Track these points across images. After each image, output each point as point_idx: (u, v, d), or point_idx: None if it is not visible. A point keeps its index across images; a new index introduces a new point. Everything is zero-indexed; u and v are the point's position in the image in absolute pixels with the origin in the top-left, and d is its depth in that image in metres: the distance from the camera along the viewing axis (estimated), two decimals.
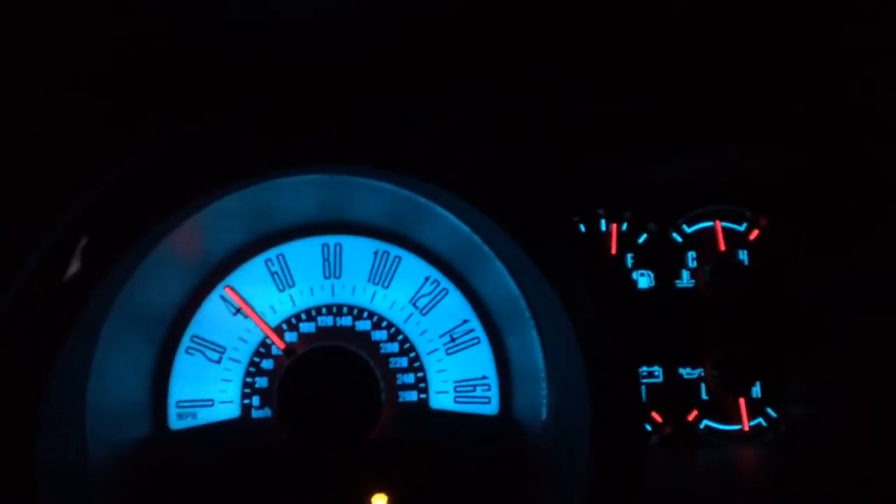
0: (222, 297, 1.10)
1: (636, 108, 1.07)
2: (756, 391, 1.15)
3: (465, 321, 1.13)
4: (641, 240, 1.19)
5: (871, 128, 1.10)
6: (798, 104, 1.08)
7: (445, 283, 1.13)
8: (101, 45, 0.87)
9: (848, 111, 1.08)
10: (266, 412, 1.08)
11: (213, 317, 1.10)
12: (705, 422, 1.14)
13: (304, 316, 1.11)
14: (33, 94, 0.86)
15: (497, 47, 0.98)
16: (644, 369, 1.15)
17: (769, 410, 1.15)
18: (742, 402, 1.14)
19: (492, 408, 1.11)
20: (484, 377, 1.12)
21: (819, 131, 1.12)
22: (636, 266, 1.18)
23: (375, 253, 1.13)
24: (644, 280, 1.17)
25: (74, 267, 0.73)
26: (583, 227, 1.18)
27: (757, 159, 1.16)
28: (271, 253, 1.13)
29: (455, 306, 1.13)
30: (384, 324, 1.12)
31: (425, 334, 1.13)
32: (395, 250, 1.14)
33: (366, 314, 1.12)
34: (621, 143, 1.11)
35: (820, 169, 1.15)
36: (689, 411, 1.14)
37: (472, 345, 1.13)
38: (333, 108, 1.02)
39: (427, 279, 1.13)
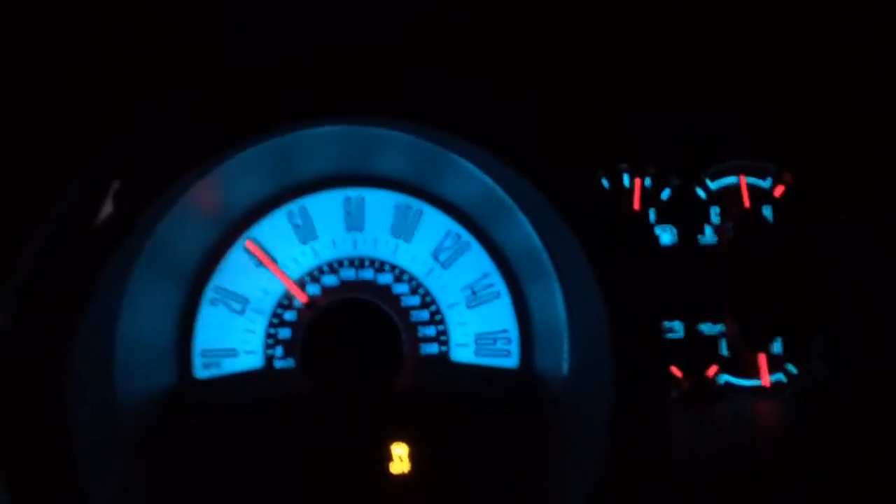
0: (243, 249, 1.10)
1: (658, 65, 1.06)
2: (777, 347, 1.15)
3: (485, 275, 1.13)
4: (665, 195, 1.17)
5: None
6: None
7: (467, 236, 1.13)
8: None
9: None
10: (289, 363, 1.09)
11: (236, 268, 1.11)
12: (725, 377, 1.15)
13: (326, 268, 1.12)
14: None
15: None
16: (664, 325, 1.15)
17: (789, 366, 1.15)
18: (762, 357, 1.14)
19: (512, 361, 1.12)
20: (504, 330, 1.13)
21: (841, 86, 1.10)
22: (659, 221, 1.17)
23: (397, 206, 1.13)
24: (666, 236, 1.17)
25: (107, 210, 0.73)
26: (606, 182, 1.17)
27: (778, 113, 1.14)
28: (294, 205, 1.13)
29: (476, 260, 1.13)
30: (406, 277, 1.12)
31: (446, 288, 1.13)
32: (417, 203, 1.13)
33: (387, 267, 1.12)
34: (644, 97, 1.10)
35: (846, 124, 1.13)
36: (708, 367, 1.15)
37: (493, 298, 1.13)
38: (357, 62, 1.02)
39: (448, 233, 1.13)
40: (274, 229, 1.12)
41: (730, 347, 1.15)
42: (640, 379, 0.81)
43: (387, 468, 1.05)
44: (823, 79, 1.12)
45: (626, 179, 1.18)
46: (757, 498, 0.97)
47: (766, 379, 1.14)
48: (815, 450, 1.02)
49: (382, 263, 1.12)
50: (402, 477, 1.05)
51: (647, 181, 1.18)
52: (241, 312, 1.10)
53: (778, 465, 1.00)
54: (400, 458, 1.06)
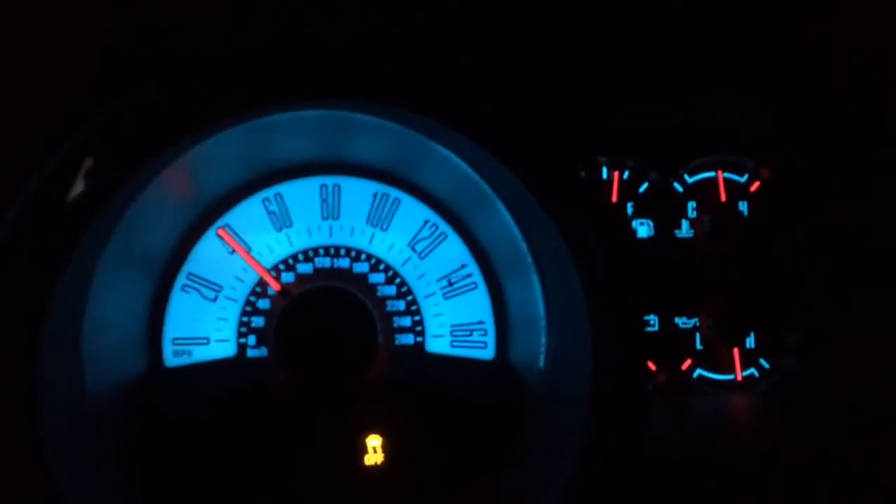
0: (216, 237, 1.08)
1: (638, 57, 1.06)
2: (750, 342, 1.16)
3: (463, 266, 1.13)
4: (642, 189, 1.18)
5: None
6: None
7: (444, 227, 1.12)
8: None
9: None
10: (262, 351, 1.07)
11: (209, 255, 1.09)
12: (699, 371, 1.15)
13: (301, 257, 1.10)
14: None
15: None
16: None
17: (762, 361, 1.16)
18: (736, 352, 1.15)
19: (488, 353, 1.11)
20: (481, 322, 1.12)
21: (820, 82, 1.11)
22: (636, 215, 1.17)
23: (374, 195, 1.12)
24: (643, 229, 1.17)
25: (78, 188, 0.71)
26: (584, 174, 1.17)
27: (755, 107, 1.15)
28: (269, 192, 1.11)
29: (453, 251, 1.12)
30: (382, 266, 1.11)
31: (423, 278, 1.12)
32: (394, 192, 1.12)
33: (363, 256, 1.11)
34: (622, 89, 1.10)
35: (820, 121, 1.14)
36: (683, 360, 1.15)
37: (470, 290, 1.13)
38: (333, 43, 1.00)
39: (426, 223, 1.12)
40: (248, 216, 1.10)
41: (704, 341, 1.15)
42: (619, 372, 0.80)
43: (360, 459, 1.04)
44: (804, 74, 1.13)
45: (604, 172, 1.18)
46: (729, 490, 0.98)
47: (739, 373, 1.15)
48: (787, 443, 1.03)
49: (359, 252, 1.11)
50: (375, 468, 1.04)
51: (626, 174, 1.18)
52: (214, 300, 1.08)
53: (750, 457, 1.01)
54: (374, 450, 1.05)
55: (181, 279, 1.07)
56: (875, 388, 1.03)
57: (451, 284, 1.12)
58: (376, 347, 1.05)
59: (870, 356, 1.06)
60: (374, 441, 1.07)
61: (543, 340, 0.99)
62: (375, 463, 1.04)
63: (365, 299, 1.07)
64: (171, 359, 1.06)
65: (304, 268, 1.10)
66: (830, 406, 1.07)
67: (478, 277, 1.13)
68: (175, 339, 1.07)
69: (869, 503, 0.93)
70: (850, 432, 1.00)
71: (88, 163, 0.71)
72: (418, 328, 1.11)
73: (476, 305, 1.12)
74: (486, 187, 0.98)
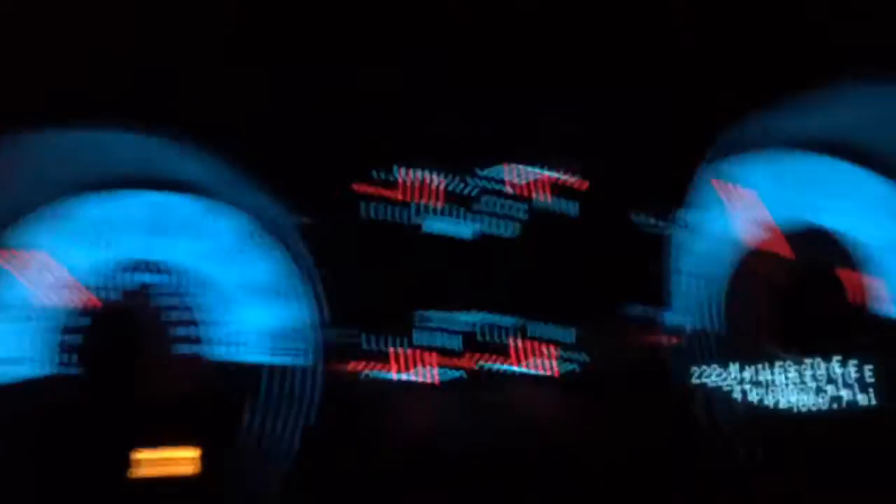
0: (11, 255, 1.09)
1: None
2: (564, 336, 1.15)
3: (270, 273, 1.13)
4: (465, 190, 1.17)
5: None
6: None
7: (249, 236, 1.13)
8: None
9: None
10: (64, 368, 1.08)
11: (10, 274, 1.10)
12: (510, 367, 1.15)
13: (108, 272, 1.11)
14: None
15: None
16: (461, 317, 1.15)
17: (574, 355, 1.16)
18: (544, 347, 1.15)
19: (296, 359, 1.12)
20: (288, 328, 1.12)
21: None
22: (438, 213, 1.16)
23: (184, 209, 1.13)
24: (467, 230, 1.16)
25: None
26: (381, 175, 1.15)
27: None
28: (75, 207, 1.12)
29: (260, 259, 1.13)
30: (186, 278, 1.12)
31: (233, 287, 1.13)
32: (208, 206, 1.13)
33: (167, 269, 1.12)
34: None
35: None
36: (493, 356, 1.15)
37: (278, 297, 1.13)
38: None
39: (233, 233, 1.13)
40: (54, 231, 1.11)
41: (516, 336, 1.15)
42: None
43: (161, 471, 1.06)
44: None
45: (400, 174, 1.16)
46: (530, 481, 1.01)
47: (549, 368, 1.15)
48: (580, 434, 1.05)
49: (162, 265, 1.12)
50: (176, 479, 1.06)
51: (422, 174, 1.16)
52: (20, 319, 1.09)
53: (548, 448, 1.05)
54: (176, 462, 1.07)
55: None
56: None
57: (257, 292, 1.13)
58: (173, 360, 1.06)
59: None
60: (182, 453, 1.08)
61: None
62: (179, 473, 1.06)
63: (165, 312, 1.09)
64: None
65: (111, 283, 1.11)
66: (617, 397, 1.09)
67: (288, 285, 1.13)
68: None
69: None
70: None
71: None
72: (223, 337, 1.12)
73: (284, 312, 1.13)
74: None
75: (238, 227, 1.14)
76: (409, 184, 1.15)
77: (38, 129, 0.98)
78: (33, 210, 1.11)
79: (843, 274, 1.26)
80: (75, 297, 1.09)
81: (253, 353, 1.12)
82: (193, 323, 1.11)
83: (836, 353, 1.25)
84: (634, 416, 1.08)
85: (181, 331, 1.09)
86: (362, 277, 1.07)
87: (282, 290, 1.13)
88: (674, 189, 1.15)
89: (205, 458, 1.07)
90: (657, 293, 1.14)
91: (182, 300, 1.12)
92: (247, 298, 1.13)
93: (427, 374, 1.10)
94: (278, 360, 1.12)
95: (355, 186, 1.12)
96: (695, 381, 1.13)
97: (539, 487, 1.04)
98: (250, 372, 1.11)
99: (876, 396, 1.23)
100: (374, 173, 1.13)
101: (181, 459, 1.07)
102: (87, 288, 1.10)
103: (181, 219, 1.13)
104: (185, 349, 1.09)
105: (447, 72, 1.12)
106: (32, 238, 1.10)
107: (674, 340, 1.13)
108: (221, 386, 1.10)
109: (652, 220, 1.15)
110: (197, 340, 1.11)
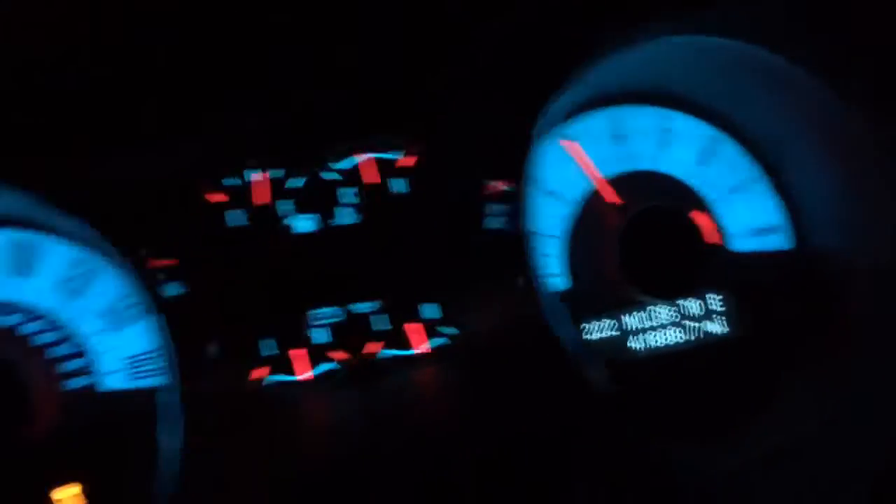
0: None
1: None
2: (433, 312, 1.17)
3: (124, 296, 1.11)
4: (296, 184, 1.17)
5: None
6: None
7: (93, 261, 1.11)
8: None
9: None
10: None
11: None
12: (384, 352, 1.16)
13: None
14: None
15: None
16: (321, 311, 1.15)
17: (446, 329, 1.17)
18: (414, 326, 1.16)
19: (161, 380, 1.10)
20: (153, 350, 1.11)
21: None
22: (299, 210, 1.16)
23: (12, 244, 1.09)
24: (307, 224, 1.16)
25: None
26: (234, 181, 1.15)
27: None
28: None
29: (110, 283, 1.11)
30: (35, 314, 1.09)
31: (84, 316, 1.10)
32: (33, 239, 1.10)
33: (13, 308, 1.08)
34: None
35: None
36: (368, 344, 1.16)
37: (135, 319, 1.11)
38: None
39: (74, 261, 1.11)
40: None
41: (383, 322, 1.16)
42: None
43: None
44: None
45: (252, 174, 1.16)
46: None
47: (423, 346, 1.16)
48: (469, 409, 1.07)
49: (6, 305, 1.08)
50: None
51: (278, 173, 1.17)
52: None
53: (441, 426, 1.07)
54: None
55: None
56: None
57: (116, 316, 1.11)
58: (31, 401, 1.04)
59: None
60: (69, 491, 1.05)
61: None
62: None
63: (17, 353, 1.06)
64: None
65: None
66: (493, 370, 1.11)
67: (141, 308, 1.11)
68: None
69: None
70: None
71: None
72: (90, 368, 1.09)
73: (144, 334, 1.11)
74: None
75: (73, 258, 1.11)
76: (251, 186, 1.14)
77: None
78: None
79: (688, 216, 1.32)
80: None
81: (117, 379, 1.09)
82: (52, 358, 1.08)
83: (693, 290, 1.31)
84: (518, 384, 1.10)
85: (43, 368, 1.06)
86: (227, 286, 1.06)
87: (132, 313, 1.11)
88: (512, 153, 1.17)
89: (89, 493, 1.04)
90: (515, 257, 1.16)
91: (35, 338, 1.08)
92: (98, 325, 1.10)
93: (303, 372, 1.09)
94: (143, 383, 1.10)
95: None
96: (569, 339, 1.13)
97: (436, 467, 1.04)
98: (119, 398, 1.08)
99: (730, 326, 1.30)
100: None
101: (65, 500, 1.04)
102: None
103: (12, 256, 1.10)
104: (50, 385, 1.06)
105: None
106: None
107: (540, 302, 1.15)
108: (93, 416, 1.08)
109: (496, 186, 1.16)
110: (60, 376, 1.08)
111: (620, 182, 1.29)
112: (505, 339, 1.14)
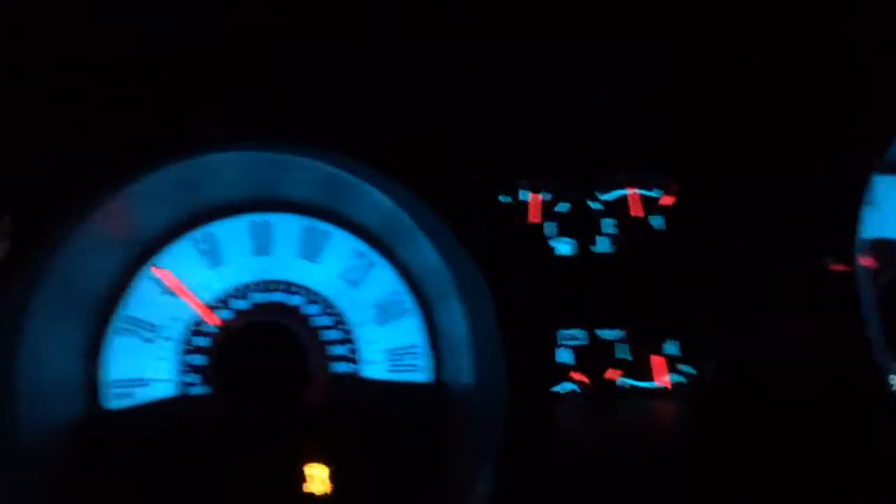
0: (150, 277, 1.11)
1: None
2: (673, 349, 1.21)
3: (394, 292, 1.17)
4: (563, 209, 1.23)
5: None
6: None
7: (374, 256, 1.17)
8: None
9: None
10: (201, 388, 1.10)
11: (143, 296, 1.12)
12: (624, 380, 1.20)
13: (235, 293, 1.13)
14: None
15: None
16: (567, 332, 1.20)
17: (685, 367, 1.21)
18: (657, 360, 1.20)
19: (422, 375, 1.15)
20: (413, 346, 1.16)
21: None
22: (560, 234, 1.22)
23: (304, 229, 1.16)
24: (566, 247, 1.22)
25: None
26: (507, 199, 1.21)
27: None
28: (200, 231, 1.14)
29: (384, 278, 1.17)
30: (314, 297, 1.15)
31: (356, 306, 1.16)
32: (323, 226, 1.17)
33: (297, 289, 1.15)
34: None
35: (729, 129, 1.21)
36: (608, 370, 1.20)
37: (402, 315, 1.17)
38: (261, 84, 1.06)
39: (356, 252, 1.17)
40: (181, 256, 1.13)
41: (629, 351, 1.20)
42: (530, 389, 0.85)
43: (301, 488, 1.07)
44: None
45: (524, 195, 1.23)
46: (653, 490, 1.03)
47: (661, 380, 1.20)
48: (705, 446, 1.09)
49: (291, 285, 1.15)
50: (318, 497, 1.07)
51: (546, 196, 1.23)
52: (151, 340, 1.11)
53: (670, 461, 1.06)
54: (312, 478, 1.08)
55: (117, 321, 1.10)
56: (784, 388, 1.10)
57: (383, 311, 1.16)
58: (308, 375, 1.09)
59: (781, 360, 1.12)
60: (315, 469, 1.09)
61: (468, 361, 1.03)
62: (319, 491, 1.07)
63: (298, 330, 1.11)
64: (110, 401, 1.08)
65: (239, 304, 1.13)
66: (746, 409, 1.12)
67: (409, 303, 1.17)
68: (114, 381, 1.09)
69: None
70: (761, 436, 1.06)
71: (7, 224, 0.74)
72: (354, 355, 1.15)
73: (408, 330, 1.16)
74: (408, 219, 1.03)
75: (356, 249, 1.17)
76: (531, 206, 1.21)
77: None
78: (165, 233, 1.13)
79: None
80: (205, 316, 1.11)
81: (375, 369, 1.14)
82: (322, 341, 1.14)
83: None
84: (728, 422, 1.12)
85: (310, 349, 1.11)
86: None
87: (399, 309, 1.16)
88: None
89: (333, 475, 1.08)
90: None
91: (309, 320, 1.14)
92: (367, 317, 1.16)
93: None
94: (402, 377, 1.14)
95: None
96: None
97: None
98: (371, 386, 1.13)
99: None
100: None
101: (316, 477, 1.08)
102: (214, 308, 1.12)
103: (303, 240, 1.16)
104: (314, 366, 1.10)
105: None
106: (164, 260, 1.13)
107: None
108: (348, 401, 1.12)
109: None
110: (330, 357, 1.13)
111: None
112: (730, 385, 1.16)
